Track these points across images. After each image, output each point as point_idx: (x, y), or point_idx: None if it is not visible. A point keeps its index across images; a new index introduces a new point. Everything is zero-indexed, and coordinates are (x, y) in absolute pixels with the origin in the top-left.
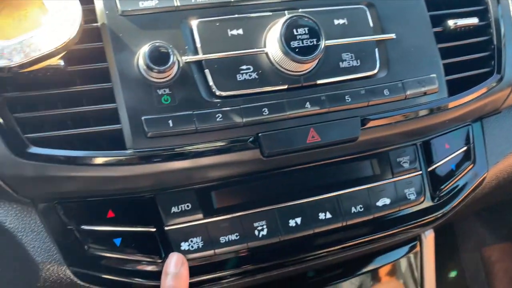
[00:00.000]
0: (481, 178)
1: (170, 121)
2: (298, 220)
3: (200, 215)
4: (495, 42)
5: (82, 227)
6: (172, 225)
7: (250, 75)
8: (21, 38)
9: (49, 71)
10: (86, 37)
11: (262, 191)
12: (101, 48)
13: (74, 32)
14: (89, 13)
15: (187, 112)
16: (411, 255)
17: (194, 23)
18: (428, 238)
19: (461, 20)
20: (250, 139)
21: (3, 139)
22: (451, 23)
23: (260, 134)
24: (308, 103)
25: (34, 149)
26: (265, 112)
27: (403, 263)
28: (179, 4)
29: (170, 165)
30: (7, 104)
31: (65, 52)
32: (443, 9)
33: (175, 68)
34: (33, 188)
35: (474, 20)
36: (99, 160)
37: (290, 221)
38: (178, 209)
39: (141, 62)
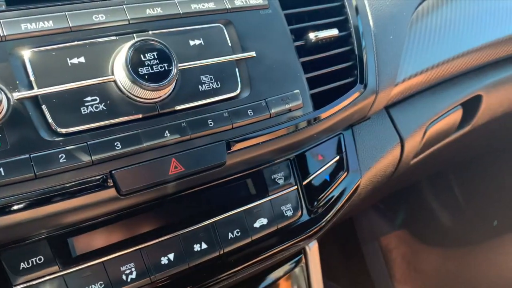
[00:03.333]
0: (356, 186)
1: (1, 169)
2: (171, 256)
3: (56, 267)
4: (356, 52)
5: None
6: (21, 284)
7: (96, 107)
8: None
9: None
10: None
11: (127, 230)
12: None
13: None
14: None
15: (22, 156)
16: (297, 269)
17: (26, 53)
18: (312, 249)
19: (322, 33)
20: (102, 178)
21: None
22: (312, 36)
23: (113, 172)
24: (167, 131)
25: None
26: (118, 147)
27: (290, 277)
28: (6, 33)
29: (8, 219)
30: None
31: None
32: (305, 21)
33: (4, 106)
34: None
35: (334, 32)
36: None
37: (162, 258)
38: (28, 264)
39: None
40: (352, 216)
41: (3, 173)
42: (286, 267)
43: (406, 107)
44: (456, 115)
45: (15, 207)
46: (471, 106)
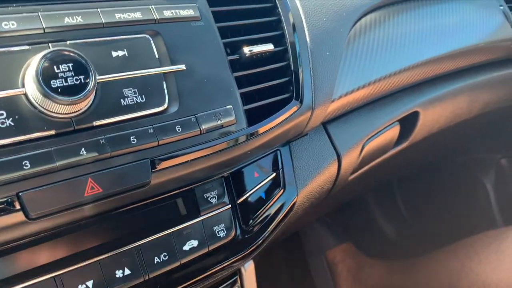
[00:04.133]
0: (292, 203)
1: None
2: (89, 283)
3: None
4: (292, 68)
5: None
6: None
7: (3, 123)
8: None
9: None
10: None
11: (40, 256)
12: None
13: None
14: None
15: None
16: None
17: None
18: (248, 270)
19: (256, 47)
20: (7, 201)
21: None
22: (246, 50)
23: (21, 194)
24: (83, 149)
25: None
26: (26, 166)
27: None
28: None
29: None
30: None
31: None
32: (240, 35)
33: None
34: None
35: (269, 47)
36: None
37: (80, 286)
38: None
39: None
40: (298, 230)
41: None
42: None
43: (344, 123)
44: (394, 132)
45: None
46: (408, 123)
